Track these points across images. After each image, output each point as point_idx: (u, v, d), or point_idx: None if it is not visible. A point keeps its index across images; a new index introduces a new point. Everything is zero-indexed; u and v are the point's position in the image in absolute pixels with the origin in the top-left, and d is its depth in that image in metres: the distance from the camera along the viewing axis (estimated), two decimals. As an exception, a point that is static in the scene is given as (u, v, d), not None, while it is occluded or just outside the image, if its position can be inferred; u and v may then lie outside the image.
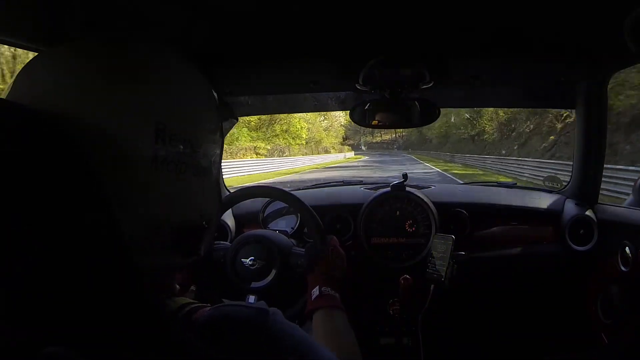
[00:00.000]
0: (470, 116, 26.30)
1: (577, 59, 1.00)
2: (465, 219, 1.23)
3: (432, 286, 1.11)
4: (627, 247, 1.02)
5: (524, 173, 11.99)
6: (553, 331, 1.28)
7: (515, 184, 1.53)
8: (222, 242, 1.01)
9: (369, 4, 0.75)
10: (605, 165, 1.22)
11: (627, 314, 1.00)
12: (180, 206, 0.37)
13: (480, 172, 15.72)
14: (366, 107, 1.09)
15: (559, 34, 0.90)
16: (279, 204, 1.26)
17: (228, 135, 1.45)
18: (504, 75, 1.17)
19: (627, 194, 1.29)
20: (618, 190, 6.06)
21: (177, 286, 0.45)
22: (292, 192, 1.09)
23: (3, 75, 9.93)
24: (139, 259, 0.30)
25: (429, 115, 1.09)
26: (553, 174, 1.46)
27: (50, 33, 0.62)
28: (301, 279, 0.83)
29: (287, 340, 0.37)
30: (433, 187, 1.40)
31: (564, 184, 1.37)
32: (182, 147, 0.35)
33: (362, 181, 1.60)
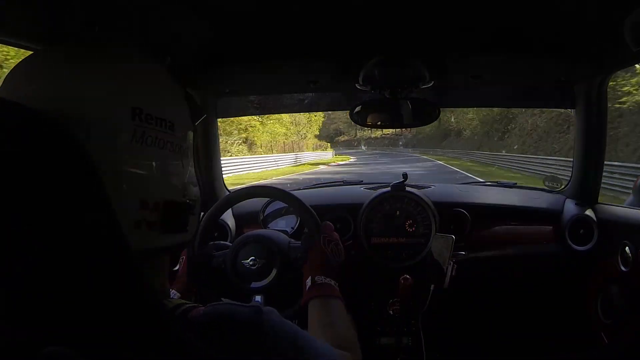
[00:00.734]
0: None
1: (577, 59, 1.00)
2: (465, 219, 1.23)
3: (432, 286, 1.11)
4: (627, 247, 1.02)
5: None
6: (553, 331, 1.28)
7: (515, 184, 1.53)
8: (222, 242, 1.01)
9: (369, 4, 0.75)
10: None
11: (627, 314, 1.00)
12: (164, 181, 0.38)
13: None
14: (366, 107, 1.09)
15: (559, 34, 0.90)
16: (278, 204, 1.26)
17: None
18: (504, 75, 1.17)
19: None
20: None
21: (178, 294, 0.45)
22: (291, 191, 1.09)
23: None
24: (129, 236, 0.30)
25: (429, 115, 1.09)
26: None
27: (51, 33, 0.62)
28: (302, 277, 0.83)
29: (281, 337, 0.37)
30: (433, 187, 1.40)
31: (564, 183, 1.37)
32: (158, 126, 0.38)
33: (362, 181, 1.60)
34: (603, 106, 1.16)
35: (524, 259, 1.23)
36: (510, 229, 1.27)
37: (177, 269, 0.90)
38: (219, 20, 0.78)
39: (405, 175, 1.26)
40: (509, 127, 19.88)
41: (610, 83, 1.21)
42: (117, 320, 0.27)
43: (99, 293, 0.27)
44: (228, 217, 1.28)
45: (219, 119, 1.38)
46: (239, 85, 1.20)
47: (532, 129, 16.95)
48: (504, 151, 17.10)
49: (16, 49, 0.65)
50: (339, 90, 1.31)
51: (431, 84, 1.05)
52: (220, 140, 1.47)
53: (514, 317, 1.31)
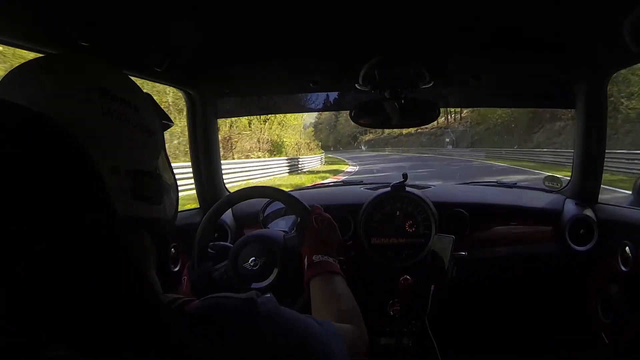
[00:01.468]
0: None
1: (577, 59, 1.00)
2: (465, 219, 1.23)
3: (433, 286, 1.11)
4: (627, 247, 1.02)
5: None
6: (553, 331, 1.28)
7: (515, 184, 1.53)
8: (222, 242, 1.00)
9: (368, 4, 0.75)
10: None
11: (627, 314, 1.00)
12: (134, 152, 0.41)
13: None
14: (366, 107, 1.09)
15: (559, 34, 0.90)
16: (278, 204, 1.26)
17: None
18: (504, 75, 1.17)
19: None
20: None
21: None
22: (290, 191, 1.09)
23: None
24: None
25: (429, 115, 1.09)
26: None
27: (51, 33, 0.62)
28: (303, 275, 0.82)
29: (276, 326, 0.37)
30: (433, 187, 1.41)
31: (564, 183, 1.37)
32: (123, 105, 0.41)
33: (362, 181, 1.60)
34: (603, 106, 1.16)
35: (524, 259, 1.23)
36: (510, 229, 1.27)
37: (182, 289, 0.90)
38: (219, 20, 0.78)
39: (405, 176, 1.26)
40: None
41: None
42: (118, 319, 0.27)
43: (100, 292, 0.27)
44: (228, 217, 1.28)
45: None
46: (239, 85, 1.20)
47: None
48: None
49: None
50: (339, 90, 1.31)
51: (431, 84, 1.05)
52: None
53: (514, 317, 1.31)
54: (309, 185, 1.60)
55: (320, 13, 0.78)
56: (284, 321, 0.38)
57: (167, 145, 0.50)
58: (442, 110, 1.12)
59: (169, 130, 0.54)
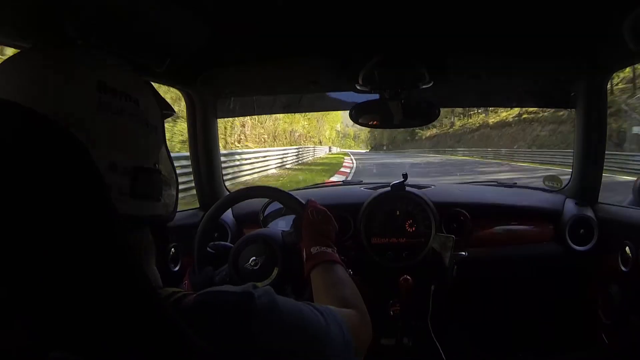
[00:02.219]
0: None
1: (577, 59, 1.00)
2: (466, 219, 1.23)
3: (433, 286, 1.11)
4: (627, 247, 1.02)
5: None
6: (553, 331, 1.28)
7: (515, 183, 1.53)
8: (222, 242, 1.00)
9: (369, 4, 0.75)
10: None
11: (627, 314, 1.00)
12: (133, 148, 0.40)
13: None
14: (366, 107, 1.09)
15: (559, 34, 0.90)
16: (278, 204, 1.26)
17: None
18: (503, 75, 1.17)
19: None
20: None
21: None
22: (290, 191, 1.08)
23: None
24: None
25: (429, 115, 1.09)
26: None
27: (49, 33, 0.62)
28: (303, 274, 0.82)
29: (274, 317, 0.37)
30: (433, 187, 1.40)
31: (564, 183, 1.37)
32: (122, 99, 0.40)
33: (362, 181, 1.59)
34: (603, 106, 1.16)
35: (524, 259, 1.23)
36: (510, 228, 1.27)
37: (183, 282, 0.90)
38: (218, 21, 0.78)
39: (405, 176, 1.26)
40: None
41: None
42: (116, 318, 0.27)
43: (98, 291, 0.27)
44: (228, 217, 1.28)
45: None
46: (238, 86, 1.20)
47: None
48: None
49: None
50: (339, 90, 1.31)
51: (431, 84, 1.05)
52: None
53: (514, 317, 1.31)
54: (309, 185, 1.59)
55: (320, 13, 0.78)
56: (281, 312, 0.38)
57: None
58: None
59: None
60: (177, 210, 0.49)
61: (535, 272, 1.25)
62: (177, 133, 7.01)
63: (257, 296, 0.37)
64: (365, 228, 1.23)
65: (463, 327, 1.31)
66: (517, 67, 1.10)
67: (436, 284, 1.10)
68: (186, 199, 2.27)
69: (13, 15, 0.56)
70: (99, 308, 0.26)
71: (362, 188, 1.43)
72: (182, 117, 1.34)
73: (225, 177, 1.46)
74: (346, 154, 28.91)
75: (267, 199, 1.24)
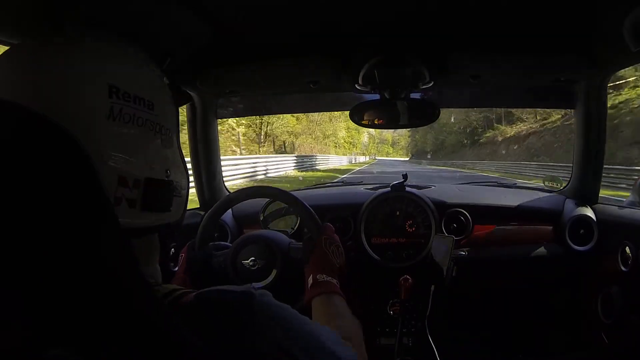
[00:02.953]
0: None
1: (577, 59, 1.00)
2: (465, 219, 1.23)
3: (433, 286, 1.11)
4: (627, 247, 1.02)
5: None
6: (553, 331, 1.28)
7: (515, 183, 1.53)
8: (222, 242, 1.01)
9: (369, 4, 0.75)
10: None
11: (627, 314, 1.00)
12: (143, 159, 0.38)
13: None
14: (366, 107, 1.09)
15: (559, 34, 0.90)
16: (278, 204, 1.26)
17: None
18: (503, 75, 1.17)
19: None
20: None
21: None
22: (290, 191, 1.09)
23: None
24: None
25: (429, 115, 1.09)
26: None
27: (47, 32, 0.62)
28: (302, 277, 0.83)
29: (274, 320, 0.36)
30: (433, 187, 1.40)
31: (564, 183, 1.37)
32: (136, 104, 0.37)
33: (362, 181, 1.59)
34: (603, 106, 1.16)
35: (524, 259, 1.23)
36: (510, 229, 1.27)
37: (177, 269, 0.90)
38: (219, 20, 0.78)
39: (405, 176, 1.26)
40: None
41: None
42: (114, 316, 0.27)
43: (97, 289, 0.27)
44: (228, 218, 1.28)
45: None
46: (239, 85, 1.20)
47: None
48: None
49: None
50: (339, 90, 1.31)
51: (431, 84, 1.05)
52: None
53: (514, 317, 1.31)
54: (309, 185, 1.59)
55: (320, 13, 0.78)
56: (280, 314, 0.38)
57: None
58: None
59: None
60: None
61: (535, 272, 1.25)
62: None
63: (257, 296, 0.37)
64: (365, 228, 1.23)
65: (463, 327, 1.31)
66: (517, 67, 1.10)
67: (436, 284, 1.10)
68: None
69: (11, 11, 0.56)
70: (95, 306, 0.26)
71: (362, 188, 1.43)
72: (182, 117, 1.33)
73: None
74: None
75: (267, 199, 1.24)
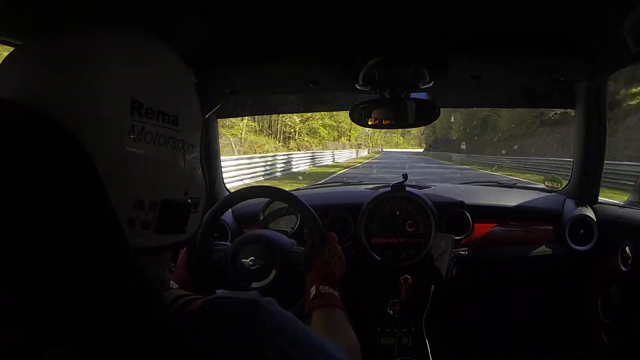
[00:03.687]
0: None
1: (577, 59, 1.00)
2: (465, 219, 1.23)
3: (433, 286, 1.11)
4: (627, 247, 1.02)
5: None
6: (553, 331, 1.28)
7: (516, 184, 1.53)
8: (222, 242, 1.01)
9: (369, 4, 0.75)
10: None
11: (627, 314, 1.00)
12: (162, 180, 0.36)
13: None
14: (366, 107, 1.09)
15: (558, 34, 0.90)
16: (279, 204, 1.26)
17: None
18: (503, 75, 1.17)
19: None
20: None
21: (176, 285, 0.45)
22: (292, 192, 1.09)
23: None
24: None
25: (429, 115, 1.09)
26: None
27: (42, 31, 0.62)
28: (301, 278, 0.83)
29: (279, 328, 0.36)
30: (433, 187, 1.40)
31: (564, 183, 1.37)
32: (159, 120, 0.35)
33: (362, 181, 1.59)
34: (603, 106, 1.16)
35: (524, 259, 1.23)
36: (510, 228, 1.27)
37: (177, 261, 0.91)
38: (219, 20, 0.78)
39: (405, 176, 1.26)
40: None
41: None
42: (118, 324, 0.27)
43: (100, 294, 0.27)
44: (228, 217, 1.28)
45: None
46: (239, 85, 1.20)
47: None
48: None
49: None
50: (339, 91, 1.31)
51: (431, 84, 1.05)
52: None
53: (514, 317, 1.31)
54: (309, 185, 1.59)
55: (320, 13, 0.78)
56: (285, 322, 0.38)
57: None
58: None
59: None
60: None
61: (535, 272, 1.25)
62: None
63: (263, 304, 0.37)
64: (365, 228, 1.23)
65: (463, 326, 1.31)
66: (517, 67, 1.10)
67: (436, 284, 1.10)
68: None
69: (9, 12, 0.56)
70: (95, 306, 0.26)
71: (362, 188, 1.43)
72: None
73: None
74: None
75: (267, 199, 1.24)
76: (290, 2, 0.73)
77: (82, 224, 0.27)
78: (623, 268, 1.02)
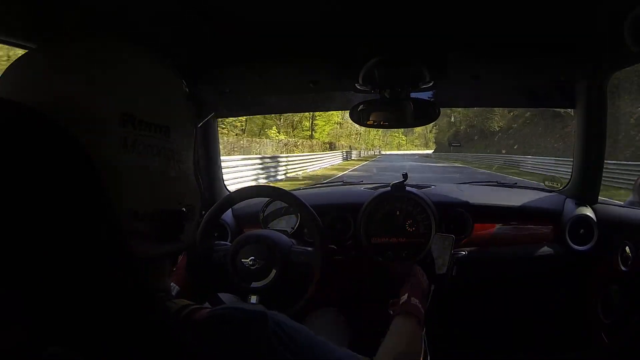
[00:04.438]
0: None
1: (577, 59, 1.00)
2: (466, 219, 1.23)
3: (432, 286, 1.11)
4: (627, 247, 1.02)
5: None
6: (553, 331, 1.28)
7: (516, 183, 1.53)
8: (222, 242, 1.01)
9: (369, 4, 0.75)
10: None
11: (627, 314, 1.00)
12: (156, 191, 0.36)
13: None
14: (366, 107, 1.09)
15: (558, 34, 0.90)
16: (279, 204, 1.26)
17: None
18: (503, 74, 1.17)
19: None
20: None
21: (177, 287, 0.45)
22: (292, 192, 1.09)
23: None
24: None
25: (429, 115, 1.09)
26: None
27: (49, 33, 0.62)
28: (301, 278, 0.83)
29: (286, 339, 0.36)
30: (433, 186, 1.40)
31: (564, 183, 1.37)
32: (152, 132, 0.35)
33: (362, 181, 1.59)
34: (603, 106, 1.16)
35: (524, 259, 1.23)
36: (510, 228, 1.27)
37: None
38: (219, 20, 0.78)
39: (405, 175, 1.26)
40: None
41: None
42: (119, 324, 0.27)
43: (100, 295, 0.27)
44: (228, 217, 1.28)
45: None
46: (239, 85, 1.20)
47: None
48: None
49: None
50: (339, 90, 1.31)
51: (431, 84, 1.05)
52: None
53: (514, 316, 1.31)
54: (309, 185, 1.59)
55: (320, 13, 0.78)
56: (293, 334, 0.37)
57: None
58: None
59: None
60: None
61: (535, 272, 1.25)
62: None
63: (270, 316, 0.37)
64: (365, 228, 1.23)
65: (463, 326, 1.31)
66: (517, 67, 1.10)
67: (436, 284, 1.10)
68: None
69: (9, 12, 0.56)
70: (96, 307, 0.26)
71: (362, 188, 1.43)
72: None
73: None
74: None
75: (267, 199, 1.24)
76: (290, 2, 0.73)
77: (82, 224, 0.27)
78: (623, 268, 1.02)
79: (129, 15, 0.66)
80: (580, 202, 1.24)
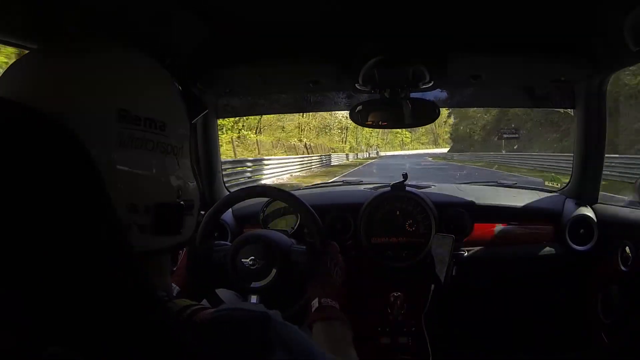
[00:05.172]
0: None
1: (577, 59, 1.00)
2: (466, 219, 1.23)
3: (433, 286, 1.11)
4: (627, 247, 1.02)
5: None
6: (553, 331, 1.28)
7: (516, 183, 1.53)
8: (222, 242, 1.01)
9: (368, 4, 0.75)
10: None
11: (627, 314, 1.00)
12: (154, 184, 0.37)
13: None
14: (366, 107, 1.09)
15: (558, 34, 0.90)
16: (279, 204, 1.26)
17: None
18: (503, 75, 1.17)
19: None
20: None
21: (177, 287, 0.45)
22: (292, 192, 1.09)
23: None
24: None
25: (429, 115, 1.09)
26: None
27: (48, 33, 0.62)
28: (301, 278, 0.83)
29: (287, 341, 0.36)
30: (433, 186, 1.40)
31: (564, 183, 1.37)
32: (147, 127, 0.36)
33: (362, 181, 1.59)
34: (603, 106, 1.16)
35: (524, 259, 1.23)
36: (510, 228, 1.27)
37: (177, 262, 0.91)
38: (219, 20, 0.78)
39: (405, 175, 1.26)
40: None
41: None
42: (119, 324, 0.27)
43: (100, 295, 0.27)
44: (228, 217, 1.28)
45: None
46: (239, 85, 1.20)
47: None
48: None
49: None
50: (339, 90, 1.31)
51: (431, 84, 1.05)
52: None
53: (514, 317, 1.31)
54: (309, 185, 1.59)
55: (320, 13, 0.79)
56: (294, 337, 0.38)
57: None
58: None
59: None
60: None
61: (535, 272, 1.25)
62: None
63: (272, 317, 0.37)
64: (365, 228, 1.23)
65: (463, 326, 1.31)
66: (517, 67, 1.10)
67: (436, 284, 1.10)
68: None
69: (9, 12, 0.56)
70: (96, 307, 0.26)
71: (362, 188, 1.43)
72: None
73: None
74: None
75: (267, 199, 1.24)
76: (290, 2, 0.73)
77: (82, 223, 0.27)
78: (623, 268, 1.02)
79: (129, 15, 0.66)
80: (580, 202, 1.24)
